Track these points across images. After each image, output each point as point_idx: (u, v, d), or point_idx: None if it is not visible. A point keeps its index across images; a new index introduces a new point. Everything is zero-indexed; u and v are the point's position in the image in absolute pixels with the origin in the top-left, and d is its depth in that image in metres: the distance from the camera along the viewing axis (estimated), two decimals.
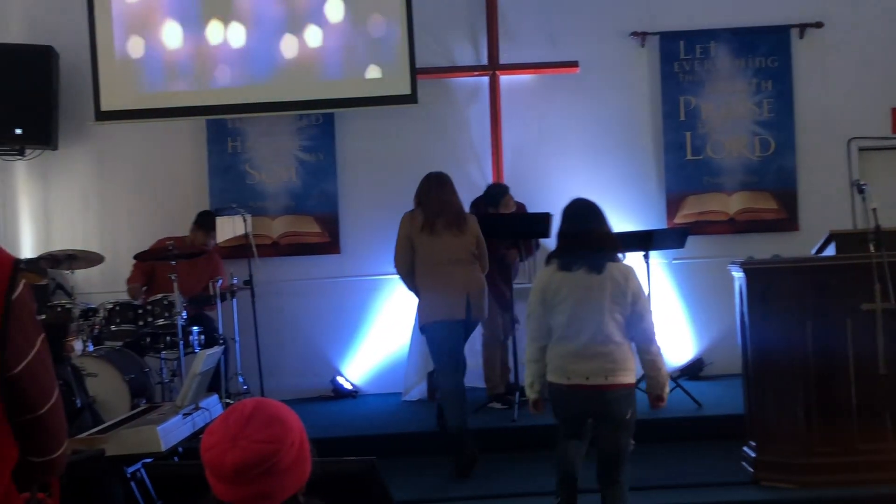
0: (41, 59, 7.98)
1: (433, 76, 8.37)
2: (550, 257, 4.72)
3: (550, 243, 7.54)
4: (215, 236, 7.82)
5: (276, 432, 1.98)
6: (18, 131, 7.89)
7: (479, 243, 6.36)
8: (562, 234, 4.72)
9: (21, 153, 8.18)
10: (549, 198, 8.37)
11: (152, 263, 7.49)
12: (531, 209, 8.05)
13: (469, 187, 8.32)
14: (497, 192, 7.61)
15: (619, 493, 4.59)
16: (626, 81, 8.52)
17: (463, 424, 6.17)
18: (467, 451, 6.07)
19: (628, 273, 4.56)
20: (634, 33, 8.46)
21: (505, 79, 8.45)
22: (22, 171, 8.51)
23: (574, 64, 8.36)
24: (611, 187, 8.43)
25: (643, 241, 7.36)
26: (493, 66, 8.42)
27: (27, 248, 8.43)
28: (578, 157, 8.48)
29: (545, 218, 7.25)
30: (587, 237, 4.62)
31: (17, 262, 1.45)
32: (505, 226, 7.32)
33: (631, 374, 4.57)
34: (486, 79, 8.45)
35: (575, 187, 8.30)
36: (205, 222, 7.75)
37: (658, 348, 4.59)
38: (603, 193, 8.28)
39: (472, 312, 6.30)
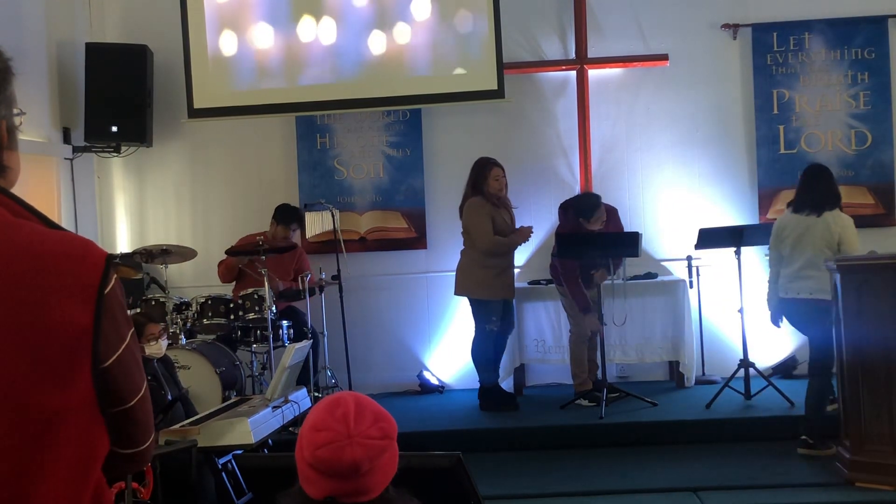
0: (136, 59, 8.16)
1: (520, 71, 8.33)
2: (789, 204, 6.36)
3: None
4: (296, 229, 7.91)
5: (385, 428, 2.01)
6: (114, 129, 8.07)
7: (466, 228, 7.38)
8: (798, 189, 6.28)
9: (117, 150, 8.38)
10: (639, 192, 8.31)
11: (239, 258, 7.62)
12: (619, 206, 8.00)
13: (557, 183, 8.29)
14: (590, 204, 7.40)
15: (812, 383, 6.10)
16: (718, 74, 8.36)
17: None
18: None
19: (840, 220, 6.00)
20: (726, 25, 8.30)
21: (593, 73, 8.36)
22: (118, 168, 8.72)
23: (664, 57, 8.23)
24: (701, 182, 8.31)
25: (734, 236, 7.25)
26: (582, 61, 8.34)
27: (123, 243, 8.64)
28: (668, 151, 8.36)
29: (634, 238, 7.17)
30: (809, 190, 6.16)
31: (110, 257, 1.48)
32: (593, 245, 7.24)
33: (829, 294, 5.77)
34: (573, 73, 8.37)
35: (665, 182, 8.24)
36: (282, 216, 7.84)
37: None
38: (693, 188, 8.27)
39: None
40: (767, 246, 7.58)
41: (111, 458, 1.52)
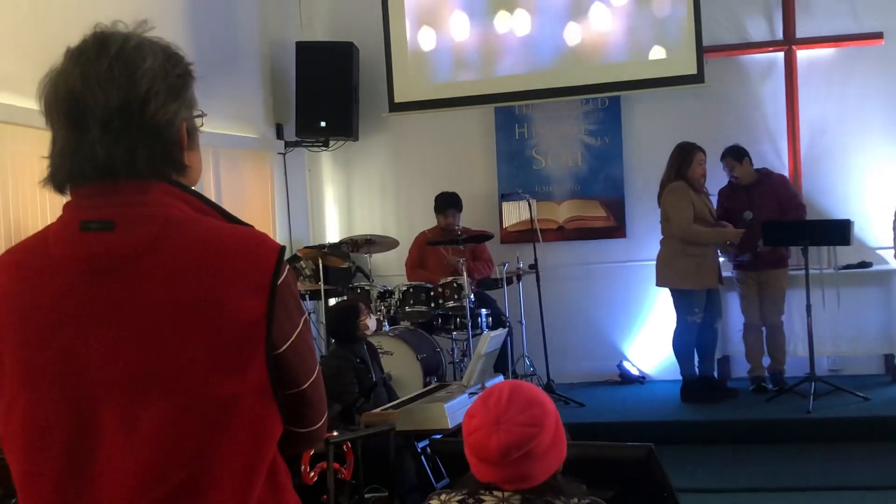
0: (343, 55, 8.45)
1: (723, 54, 8.09)
2: None
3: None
4: (455, 214, 7.94)
5: (536, 414, 2.04)
6: (323, 124, 8.40)
7: (666, 214, 7.22)
8: None
9: (325, 144, 8.74)
10: (851, 177, 7.93)
11: (420, 252, 7.97)
12: (831, 191, 7.68)
13: (765, 167, 7.97)
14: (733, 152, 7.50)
15: None
16: None
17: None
18: None
19: None
20: None
21: (802, 53, 8.03)
22: (327, 161, 9.09)
23: (878, 35, 7.79)
24: None
25: None
26: (790, 41, 8.02)
27: (332, 233, 9.00)
28: (883, 134, 7.91)
29: (845, 225, 6.85)
30: None
31: (283, 249, 1.58)
32: (795, 232, 6.99)
33: None
34: (780, 54, 8.06)
35: (880, 166, 7.81)
36: (438, 206, 7.98)
37: None
38: None
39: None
40: None
41: (286, 437, 1.62)
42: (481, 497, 2.06)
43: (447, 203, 7.97)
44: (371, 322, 5.90)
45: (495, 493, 2.05)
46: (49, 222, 1.62)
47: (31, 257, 1.58)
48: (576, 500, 2.05)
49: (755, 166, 7.67)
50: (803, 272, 7.03)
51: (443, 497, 2.13)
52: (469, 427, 2.07)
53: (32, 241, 1.61)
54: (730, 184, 7.55)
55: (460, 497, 2.09)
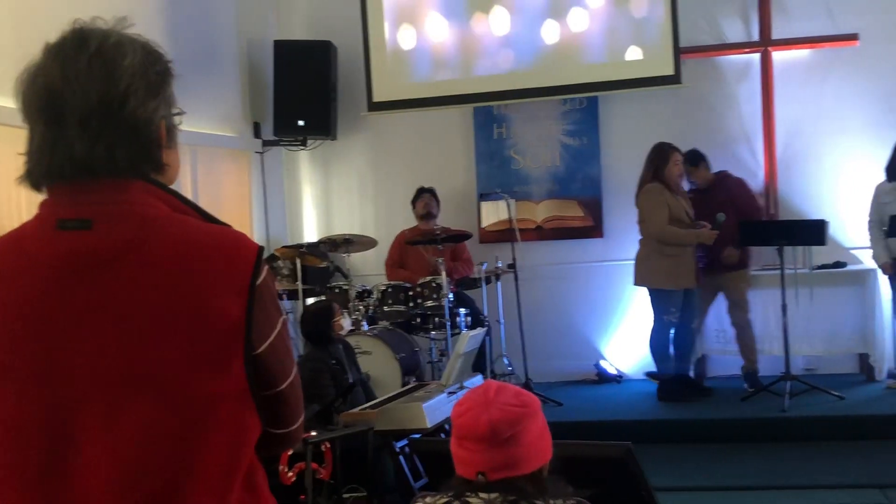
0: (322, 54, 8.44)
1: (700, 55, 8.14)
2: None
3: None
4: (429, 199, 8.08)
5: (525, 400, 2.10)
6: (301, 123, 8.38)
7: (642, 215, 7.24)
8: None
9: (303, 144, 8.71)
10: (827, 178, 7.99)
11: (400, 252, 8.00)
12: (806, 191, 7.71)
13: (739, 169, 8.03)
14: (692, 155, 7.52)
15: None
16: None
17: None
18: None
19: None
20: None
21: (778, 55, 8.08)
22: (305, 161, 9.06)
23: (854, 37, 7.85)
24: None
25: None
26: (766, 42, 8.07)
27: (310, 233, 8.97)
28: (859, 136, 7.97)
29: (821, 226, 6.90)
30: None
31: (262, 249, 1.57)
32: (771, 233, 7.03)
33: None
34: (757, 55, 8.11)
35: (856, 167, 7.87)
36: (414, 197, 8.11)
37: None
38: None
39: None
40: None
41: (264, 438, 1.61)
42: (467, 499, 2.06)
43: (419, 190, 8.09)
44: (345, 322, 5.88)
45: (481, 494, 2.05)
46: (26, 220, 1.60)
47: (7, 256, 1.55)
48: (561, 501, 2.06)
49: (731, 167, 7.72)
50: (778, 272, 7.08)
51: (428, 500, 2.12)
52: (458, 412, 2.10)
53: (7, 239, 1.59)
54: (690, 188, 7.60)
55: (446, 499, 2.09)
